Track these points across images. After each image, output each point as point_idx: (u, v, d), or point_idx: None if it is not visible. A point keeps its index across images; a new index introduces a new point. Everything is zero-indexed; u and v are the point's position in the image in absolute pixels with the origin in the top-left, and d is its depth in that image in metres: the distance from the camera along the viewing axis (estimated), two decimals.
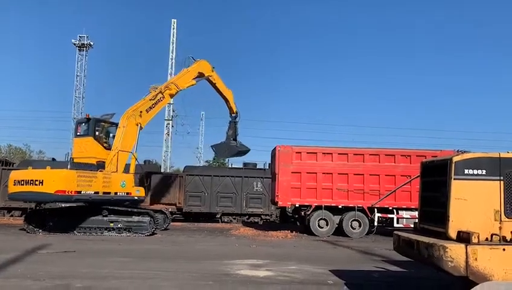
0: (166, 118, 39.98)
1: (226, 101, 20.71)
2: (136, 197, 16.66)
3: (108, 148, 16.85)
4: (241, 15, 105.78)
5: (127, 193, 16.18)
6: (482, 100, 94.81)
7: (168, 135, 40.54)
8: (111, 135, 17.45)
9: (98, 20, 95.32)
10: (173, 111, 40.53)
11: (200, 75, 19.28)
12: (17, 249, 11.03)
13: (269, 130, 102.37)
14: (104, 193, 15.36)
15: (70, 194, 14.34)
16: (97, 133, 16.85)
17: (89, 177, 14.95)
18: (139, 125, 17.06)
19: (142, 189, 17.21)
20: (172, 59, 39.46)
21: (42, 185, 14.28)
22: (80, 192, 14.56)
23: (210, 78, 19.70)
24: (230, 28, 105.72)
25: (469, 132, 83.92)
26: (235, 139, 20.85)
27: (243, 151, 21.69)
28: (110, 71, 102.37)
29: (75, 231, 15.56)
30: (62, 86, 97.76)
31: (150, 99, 17.67)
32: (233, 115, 20.95)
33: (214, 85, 20.16)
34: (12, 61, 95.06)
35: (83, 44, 44.02)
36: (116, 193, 15.77)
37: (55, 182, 14.29)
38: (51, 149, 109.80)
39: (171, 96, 18.88)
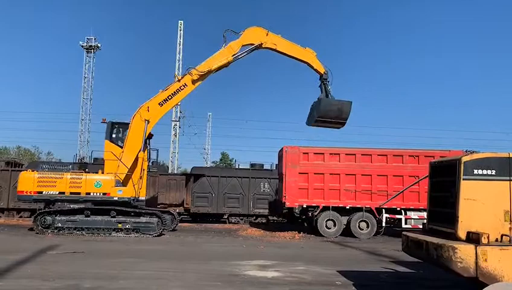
0: (173, 119, 40.18)
1: (306, 64, 17.23)
2: (115, 198, 15.96)
3: None
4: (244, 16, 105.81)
5: (104, 194, 15.94)
6: (491, 100, 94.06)
7: (176, 136, 40.74)
8: None
9: (106, 22, 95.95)
10: (180, 112, 40.72)
11: (254, 47, 16.81)
12: (27, 249, 11.13)
13: (276, 131, 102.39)
14: (71, 193, 15.74)
15: (28, 194, 15.67)
16: (113, 135, 16.97)
17: (52, 178, 15.76)
18: (146, 121, 16.32)
19: (126, 190, 16.09)
20: (179, 60, 39.69)
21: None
22: (40, 192, 15.63)
23: (264, 45, 16.78)
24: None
25: (478, 132, 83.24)
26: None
27: (336, 110, 16.44)
28: (117, 72, 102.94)
29: (83, 232, 15.67)
30: (70, 87, 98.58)
31: (164, 91, 16.70)
32: (323, 76, 17.14)
33: (278, 52, 17.05)
34: (20, 64, 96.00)
35: (91, 46, 44.37)
36: (88, 193, 15.81)
37: (19, 184, 16.11)
38: (60, 150, 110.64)
39: (194, 82, 16.67)
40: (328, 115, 16.51)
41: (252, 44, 16.82)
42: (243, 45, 16.85)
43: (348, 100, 16.75)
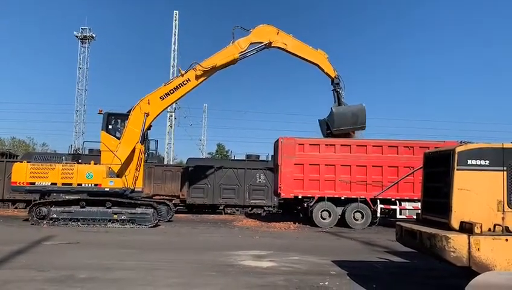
0: (169, 110, 39.98)
1: (317, 66, 17.11)
2: (107, 189, 15.89)
3: None
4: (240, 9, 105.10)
5: (96, 184, 15.88)
6: (487, 91, 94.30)
7: (171, 127, 40.63)
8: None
9: (101, 12, 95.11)
10: (176, 103, 40.51)
11: (263, 46, 16.54)
12: (22, 240, 11.12)
13: (272, 122, 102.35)
14: (63, 184, 15.74)
15: (22, 185, 15.76)
16: (110, 126, 16.95)
17: (44, 169, 15.82)
18: (146, 114, 16.33)
19: (117, 180, 16.02)
20: (174, 51, 39.46)
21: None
22: (33, 183, 15.69)
23: (274, 44, 16.33)
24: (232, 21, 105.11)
25: (473, 123, 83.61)
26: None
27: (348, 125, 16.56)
28: (113, 63, 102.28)
29: (79, 223, 15.66)
30: (65, 78, 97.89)
31: (166, 85, 16.64)
32: (334, 80, 17.11)
33: (287, 52, 16.70)
34: (15, 54, 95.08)
35: (85, 36, 43.89)
36: (79, 184, 15.78)
37: (12, 175, 16.16)
38: (54, 141, 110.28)
39: (198, 77, 16.48)
40: (344, 124, 16.86)
41: (261, 42, 16.50)
42: (251, 43, 16.54)
43: (360, 105, 16.83)
